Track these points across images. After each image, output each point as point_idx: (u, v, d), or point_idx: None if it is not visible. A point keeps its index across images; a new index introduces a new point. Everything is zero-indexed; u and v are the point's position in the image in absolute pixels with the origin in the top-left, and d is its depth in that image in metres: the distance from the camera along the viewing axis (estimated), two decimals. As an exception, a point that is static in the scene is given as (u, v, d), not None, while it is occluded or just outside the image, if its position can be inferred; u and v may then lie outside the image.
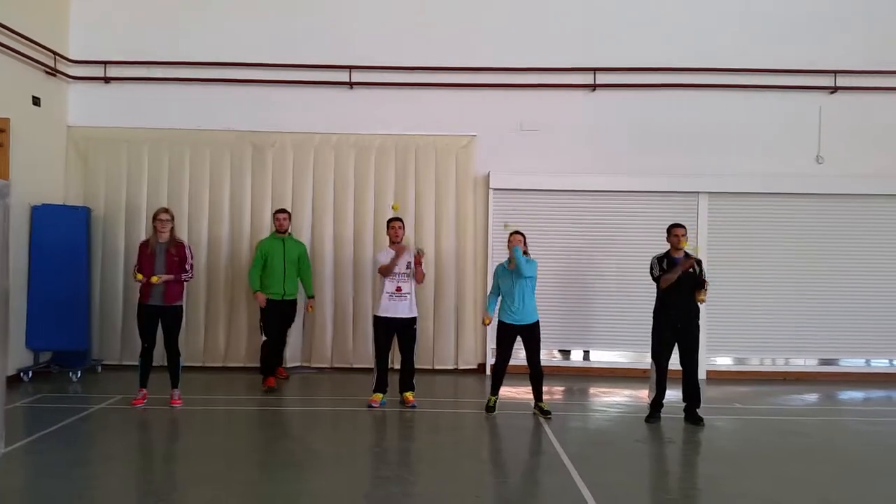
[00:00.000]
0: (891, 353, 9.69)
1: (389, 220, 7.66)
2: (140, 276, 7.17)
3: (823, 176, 9.60)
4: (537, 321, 7.29)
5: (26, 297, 8.58)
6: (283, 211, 8.60)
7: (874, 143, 9.65)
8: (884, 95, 9.67)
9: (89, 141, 9.57)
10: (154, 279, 7.09)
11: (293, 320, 8.77)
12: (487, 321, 7.49)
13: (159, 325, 7.30)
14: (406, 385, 7.59)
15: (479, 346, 9.65)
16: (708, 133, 9.66)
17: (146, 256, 7.22)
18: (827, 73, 9.64)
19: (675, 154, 9.63)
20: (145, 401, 7.26)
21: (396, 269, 7.41)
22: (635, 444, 6.39)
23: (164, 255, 7.22)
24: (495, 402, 7.39)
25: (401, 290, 7.41)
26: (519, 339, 7.30)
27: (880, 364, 9.76)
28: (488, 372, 9.40)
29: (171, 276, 7.19)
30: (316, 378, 9.05)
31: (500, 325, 7.32)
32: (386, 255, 7.50)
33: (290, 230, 8.62)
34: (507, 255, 7.35)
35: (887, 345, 9.60)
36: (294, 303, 8.60)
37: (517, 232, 7.36)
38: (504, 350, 7.34)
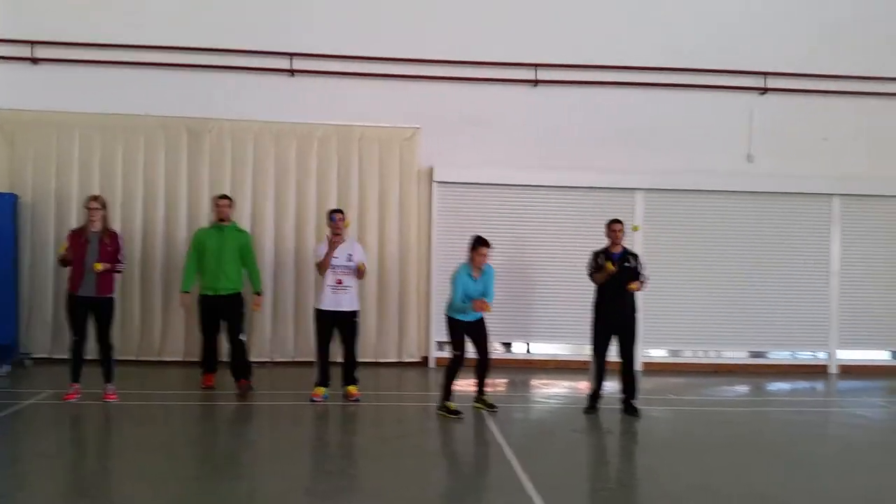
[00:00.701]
0: (814, 346, 10.16)
1: (331, 211, 7.58)
2: (63, 248, 6.95)
3: (754, 174, 9.97)
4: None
5: (-53, 289, 8.17)
6: (223, 197, 7.87)
7: (802, 143, 10.07)
8: (812, 98, 10.08)
9: (16, 124, 9.15)
10: (98, 266, 6.79)
11: (240, 319, 7.67)
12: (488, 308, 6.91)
13: (90, 317, 7.04)
14: (349, 379, 7.53)
15: (422, 340, 9.66)
16: (644, 131, 9.90)
17: (80, 245, 6.94)
18: (757, 74, 10.00)
19: (613, 151, 9.82)
20: (78, 396, 6.98)
21: (336, 262, 7.33)
22: (575, 435, 6.53)
23: (97, 243, 6.95)
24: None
25: (341, 282, 7.34)
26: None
27: (805, 356, 10.23)
28: (431, 365, 9.48)
29: (109, 265, 6.94)
30: (256, 372, 8.83)
31: (454, 322, 7.09)
32: (325, 248, 7.43)
33: (231, 218, 7.87)
34: (470, 263, 7.03)
35: (811, 338, 10.07)
36: (233, 299, 7.60)
37: (486, 245, 7.00)
38: (462, 347, 7.10)
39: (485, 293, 6.98)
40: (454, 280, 7.00)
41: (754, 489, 5.15)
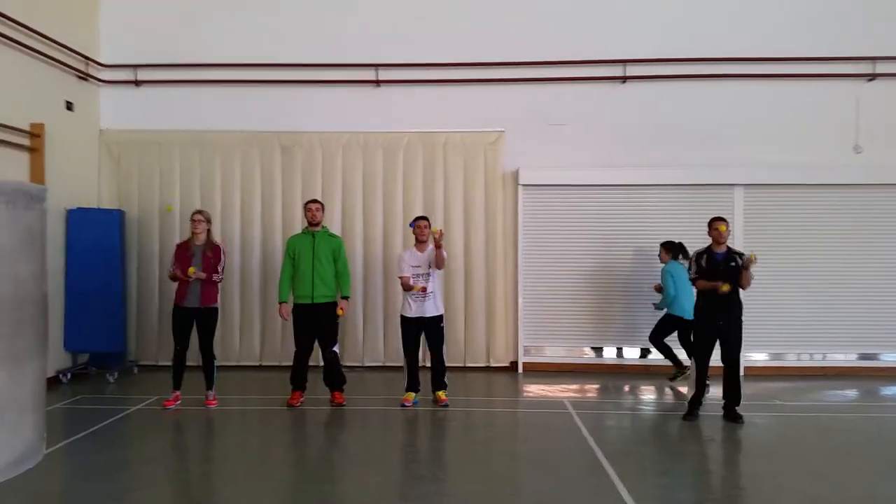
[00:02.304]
0: (933, 347, 9.43)
1: (415, 220, 7.60)
2: (192, 270, 7.08)
3: (862, 166, 9.36)
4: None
5: (63, 300, 8.71)
6: (314, 201, 7.68)
7: (915, 131, 9.41)
8: (924, 82, 9.41)
9: (122, 144, 9.69)
10: (191, 270, 7.07)
11: (334, 331, 7.53)
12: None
13: (194, 327, 7.33)
14: (438, 384, 7.53)
15: (510, 344, 9.58)
16: (742, 124, 9.49)
17: (185, 258, 7.24)
18: (865, 60, 9.39)
19: (709, 146, 9.46)
20: (178, 402, 7.29)
21: (418, 271, 7.36)
22: (674, 443, 6.29)
23: (200, 256, 7.26)
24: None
25: (425, 290, 7.36)
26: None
27: (923, 358, 9.52)
28: (520, 370, 9.38)
29: (203, 275, 7.19)
30: (348, 377, 9.03)
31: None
32: (409, 256, 7.46)
33: (323, 223, 7.69)
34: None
35: (930, 338, 9.34)
36: (329, 308, 7.42)
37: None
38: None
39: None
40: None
41: (871, 499, 4.82)
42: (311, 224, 7.58)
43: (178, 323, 7.31)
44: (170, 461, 5.85)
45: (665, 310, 8.54)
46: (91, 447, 5.96)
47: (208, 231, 7.40)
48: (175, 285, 7.36)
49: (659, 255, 8.68)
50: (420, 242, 7.50)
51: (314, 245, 7.47)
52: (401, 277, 7.47)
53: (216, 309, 7.45)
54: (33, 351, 5.11)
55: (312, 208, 7.58)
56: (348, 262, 7.76)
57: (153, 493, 4.99)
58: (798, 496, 4.89)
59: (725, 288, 6.70)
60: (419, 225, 7.49)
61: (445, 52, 9.56)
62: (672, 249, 8.56)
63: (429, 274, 7.38)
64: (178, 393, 7.34)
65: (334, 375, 7.57)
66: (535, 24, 9.60)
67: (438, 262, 7.34)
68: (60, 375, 8.50)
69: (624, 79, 9.54)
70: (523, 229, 9.50)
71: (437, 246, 7.22)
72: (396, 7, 9.71)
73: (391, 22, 9.69)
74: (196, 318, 7.29)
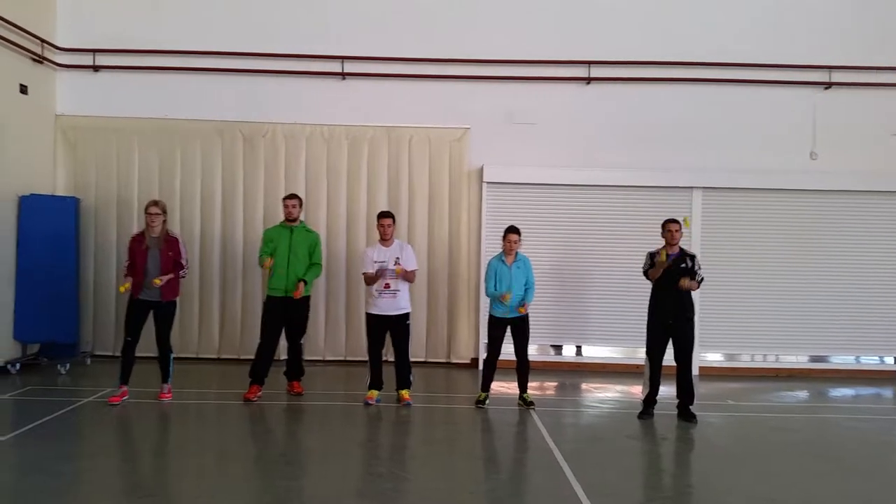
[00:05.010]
0: (881, 350, 9.73)
1: (379, 217, 7.48)
2: (125, 288, 6.85)
3: (817, 172, 9.60)
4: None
5: (13, 289, 8.48)
6: (291, 196, 7.59)
7: (868, 139, 9.67)
8: (878, 91, 9.67)
9: (78, 130, 9.45)
10: (156, 282, 6.82)
11: (304, 322, 7.63)
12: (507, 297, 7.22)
13: (149, 319, 7.09)
14: (402, 382, 7.44)
15: (472, 341, 9.60)
16: (703, 128, 9.65)
17: (140, 252, 6.94)
18: (822, 68, 9.62)
19: (669, 149, 9.60)
20: (125, 398, 6.96)
21: (382, 266, 7.27)
22: (628, 441, 6.38)
23: (157, 250, 6.97)
24: (485, 398, 7.50)
25: (389, 286, 7.30)
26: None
27: (870, 361, 9.81)
28: (481, 367, 9.39)
29: (171, 276, 6.99)
30: (309, 371, 8.94)
31: (491, 318, 7.48)
32: (373, 252, 7.37)
33: (301, 219, 7.63)
34: (503, 250, 7.50)
35: (877, 341, 9.63)
36: (302, 302, 7.46)
37: (516, 231, 7.44)
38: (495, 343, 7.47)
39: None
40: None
41: (816, 499, 4.95)
42: (287, 220, 7.49)
43: (133, 314, 7.04)
44: (119, 455, 5.74)
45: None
46: (38, 440, 5.81)
47: (164, 223, 7.12)
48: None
49: (514, 244, 7.42)
50: (383, 240, 7.42)
51: (291, 240, 7.41)
52: (364, 274, 7.42)
53: (175, 303, 7.25)
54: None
55: (289, 205, 7.48)
56: (322, 255, 7.76)
57: (98, 487, 4.89)
58: (748, 496, 4.98)
59: (663, 257, 6.85)
60: (382, 223, 7.36)
61: (412, 47, 9.53)
62: None
63: (393, 271, 7.29)
64: (125, 388, 7.00)
65: (296, 366, 7.63)
66: (502, 23, 9.62)
67: (408, 279, 7.35)
68: (9, 366, 8.26)
69: (588, 80, 9.62)
70: (486, 226, 9.52)
71: (401, 276, 7.24)
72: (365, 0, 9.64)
73: (359, 15, 9.61)
74: (155, 310, 7.09)
